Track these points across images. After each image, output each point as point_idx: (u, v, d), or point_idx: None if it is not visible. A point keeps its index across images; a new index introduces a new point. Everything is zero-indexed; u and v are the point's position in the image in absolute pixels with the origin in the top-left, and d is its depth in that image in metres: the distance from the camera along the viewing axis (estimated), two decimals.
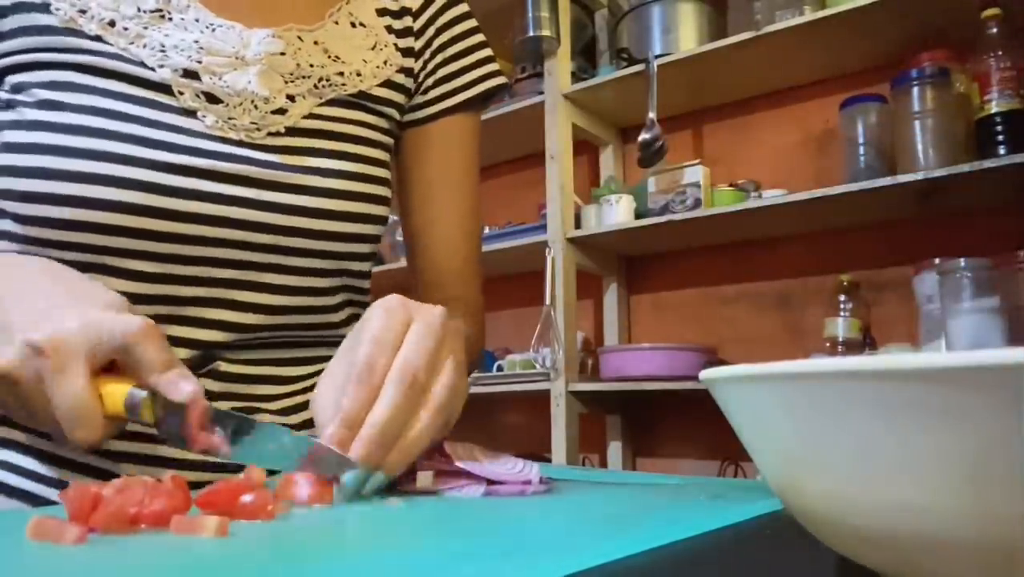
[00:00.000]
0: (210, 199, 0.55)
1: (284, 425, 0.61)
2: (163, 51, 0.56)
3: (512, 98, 2.17)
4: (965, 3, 1.49)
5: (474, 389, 2.10)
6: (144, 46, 0.56)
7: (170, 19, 0.57)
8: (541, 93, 2.01)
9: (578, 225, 1.97)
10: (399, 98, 0.69)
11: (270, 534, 0.31)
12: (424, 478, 0.44)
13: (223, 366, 0.58)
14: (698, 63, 1.79)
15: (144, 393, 0.42)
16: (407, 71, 0.69)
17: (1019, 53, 1.42)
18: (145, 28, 0.56)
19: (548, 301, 1.88)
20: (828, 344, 1.64)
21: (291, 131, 0.60)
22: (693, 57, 1.76)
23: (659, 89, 1.78)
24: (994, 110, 1.42)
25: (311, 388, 0.64)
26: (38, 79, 0.55)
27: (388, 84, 0.67)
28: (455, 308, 0.64)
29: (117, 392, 0.42)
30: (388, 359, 0.43)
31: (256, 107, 0.58)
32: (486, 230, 2.24)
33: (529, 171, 2.36)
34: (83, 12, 0.56)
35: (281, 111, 0.60)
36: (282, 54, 0.60)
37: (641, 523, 0.35)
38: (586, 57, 2.15)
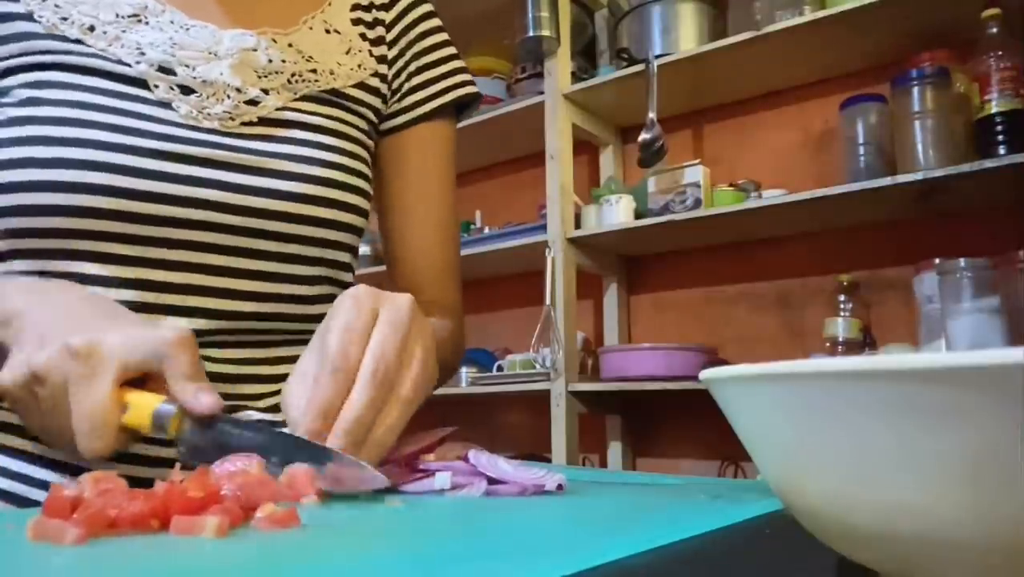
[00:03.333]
0: (182, 181, 0.56)
1: (270, 421, 0.61)
2: (139, 50, 0.58)
3: (512, 98, 2.17)
4: (965, 3, 1.49)
5: (474, 389, 2.10)
6: (122, 46, 0.58)
7: (146, 23, 0.60)
8: (541, 93, 2.01)
9: (578, 225, 1.97)
10: (375, 101, 0.71)
11: (269, 535, 0.31)
12: (442, 479, 0.45)
13: (209, 366, 0.58)
14: (698, 63, 1.79)
15: (174, 407, 0.43)
16: (381, 77, 0.71)
17: (1019, 53, 1.42)
18: (123, 32, 0.59)
19: (548, 301, 1.88)
20: (828, 344, 1.64)
21: (265, 121, 0.61)
22: (693, 57, 1.76)
23: (659, 89, 1.78)
24: (994, 110, 1.42)
25: None
26: (21, 81, 0.56)
27: (362, 86, 0.69)
28: (432, 311, 0.64)
29: (144, 403, 0.43)
30: (360, 348, 0.44)
31: (229, 96, 0.60)
32: (485, 230, 2.24)
33: (529, 171, 2.36)
34: (65, 19, 0.58)
35: (254, 102, 0.61)
36: (254, 50, 0.62)
37: (641, 523, 0.35)
38: (586, 57, 2.15)
